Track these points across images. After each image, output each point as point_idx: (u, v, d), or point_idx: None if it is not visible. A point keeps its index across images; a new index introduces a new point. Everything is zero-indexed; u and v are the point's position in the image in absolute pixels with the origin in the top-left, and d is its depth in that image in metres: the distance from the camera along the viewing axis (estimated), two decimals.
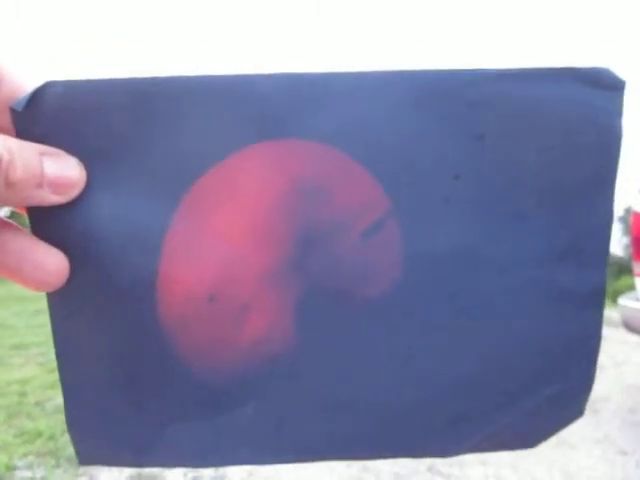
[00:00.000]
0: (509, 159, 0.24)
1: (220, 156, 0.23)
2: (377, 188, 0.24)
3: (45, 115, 0.22)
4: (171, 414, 0.25)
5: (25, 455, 1.76)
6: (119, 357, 0.24)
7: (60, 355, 0.24)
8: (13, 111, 0.22)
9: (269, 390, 0.25)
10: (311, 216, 0.23)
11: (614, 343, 3.12)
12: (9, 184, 0.19)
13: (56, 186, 0.21)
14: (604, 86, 0.24)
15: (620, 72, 0.24)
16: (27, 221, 0.23)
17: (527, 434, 0.28)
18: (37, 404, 2.23)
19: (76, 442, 0.25)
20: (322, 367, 0.25)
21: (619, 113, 0.24)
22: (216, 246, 0.23)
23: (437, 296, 0.25)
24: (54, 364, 2.74)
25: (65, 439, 1.84)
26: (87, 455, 0.25)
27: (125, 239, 0.23)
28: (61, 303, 0.23)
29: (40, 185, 0.21)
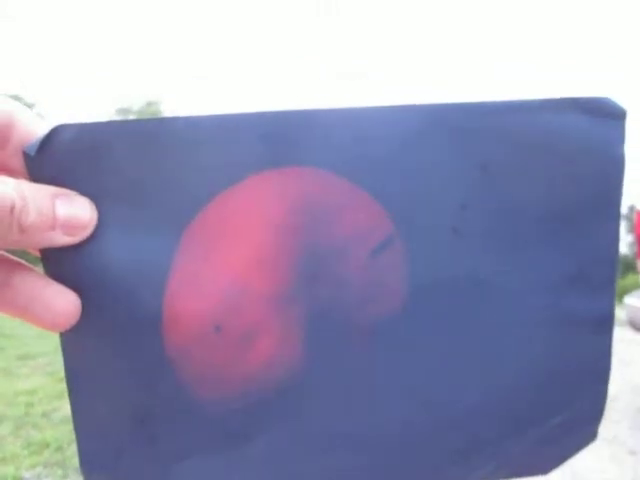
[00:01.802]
0: (514, 189, 0.24)
1: (221, 188, 0.23)
2: (380, 212, 0.24)
3: (57, 158, 0.22)
4: (183, 450, 0.24)
5: (33, 466, 1.76)
6: (130, 394, 0.24)
7: (73, 393, 0.24)
8: (26, 155, 0.22)
9: (280, 422, 0.24)
10: (315, 239, 0.23)
11: (620, 342, 3.11)
12: (22, 229, 0.20)
13: (68, 228, 0.21)
14: (605, 115, 0.24)
15: (620, 99, 0.24)
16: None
17: (540, 461, 0.27)
18: (44, 415, 2.23)
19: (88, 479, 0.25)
20: (331, 393, 0.24)
21: (621, 141, 0.24)
22: (220, 276, 0.23)
23: (445, 325, 0.25)
24: (61, 374, 2.74)
25: (72, 449, 1.84)
26: None
27: (133, 277, 0.23)
28: (73, 341, 0.23)
29: (52, 228, 0.21)
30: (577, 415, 0.26)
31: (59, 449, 1.86)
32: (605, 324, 0.26)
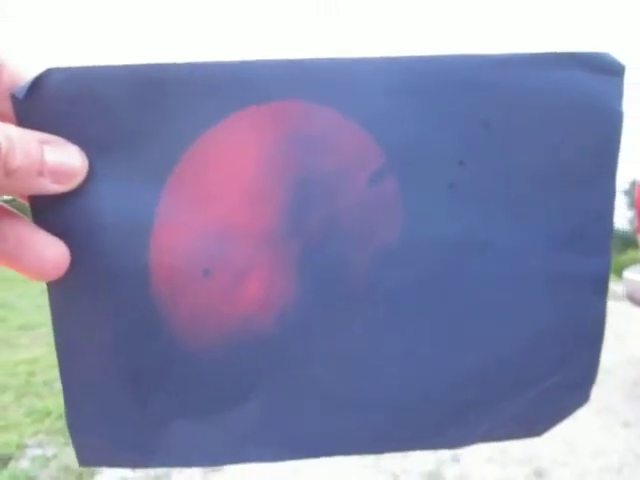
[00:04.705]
0: (513, 145, 0.24)
1: (205, 127, 0.22)
2: (372, 143, 0.23)
3: (47, 103, 0.21)
4: (175, 409, 0.24)
5: (35, 434, 1.79)
6: (119, 349, 0.23)
7: (60, 350, 0.23)
8: (14, 98, 0.21)
9: (275, 382, 0.24)
10: (306, 172, 0.23)
11: (618, 316, 3.12)
12: (9, 172, 0.19)
13: (57, 175, 0.21)
14: (604, 71, 0.24)
15: (620, 56, 0.24)
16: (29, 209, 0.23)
17: (534, 422, 0.28)
18: (45, 383, 2.25)
19: (76, 442, 0.24)
20: (327, 335, 0.24)
21: (620, 98, 0.24)
22: (208, 217, 0.23)
23: (439, 280, 0.24)
24: None
25: None
26: (88, 456, 0.25)
27: (120, 225, 0.22)
28: (61, 294, 0.23)
29: (41, 173, 0.20)
30: (571, 376, 0.27)
31: (60, 417, 1.89)
32: (601, 283, 0.26)
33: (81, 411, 0.24)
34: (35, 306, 3.89)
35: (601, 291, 0.26)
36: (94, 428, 0.24)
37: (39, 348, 2.81)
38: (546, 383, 0.26)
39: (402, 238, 0.24)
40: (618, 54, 0.24)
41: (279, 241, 0.23)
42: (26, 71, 0.21)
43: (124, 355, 0.23)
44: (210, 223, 0.23)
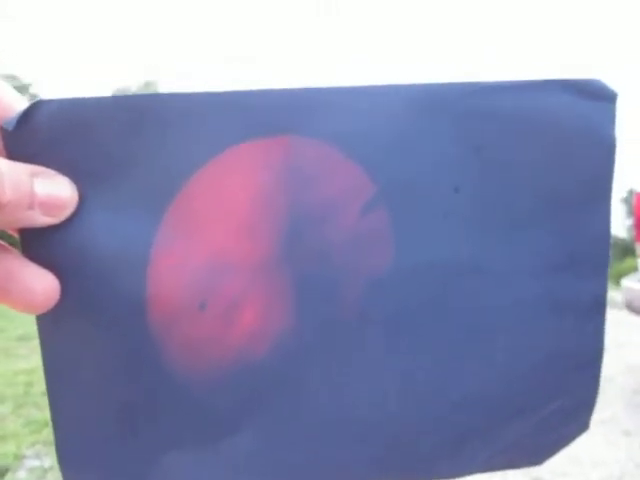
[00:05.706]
0: (507, 171, 0.24)
1: (202, 161, 0.22)
2: (362, 174, 0.23)
3: (37, 134, 0.21)
4: (167, 441, 0.24)
5: (33, 444, 1.78)
6: (112, 381, 0.23)
7: (50, 382, 0.23)
8: (4, 130, 0.21)
9: (269, 411, 0.24)
10: (299, 203, 0.23)
11: (617, 324, 3.12)
12: None
13: (47, 207, 0.20)
14: (596, 97, 0.24)
15: (613, 82, 0.24)
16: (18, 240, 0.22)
17: (533, 451, 0.27)
18: (44, 394, 2.24)
19: (67, 475, 0.24)
20: (322, 366, 0.24)
21: (612, 124, 0.24)
22: (204, 251, 0.23)
23: (434, 307, 0.24)
24: None
25: None
26: None
27: (114, 257, 0.22)
28: (51, 327, 0.22)
29: (31, 206, 0.20)
30: (570, 403, 0.26)
31: None
32: (596, 309, 0.26)
33: (72, 444, 0.23)
34: (34, 317, 3.87)
35: (598, 315, 0.26)
36: (85, 460, 0.24)
37: (38, 358, 2.79)
38: (545, 410, 0.26)
39: (395, 266, 0.24)
40: (613, 77, 0.24)
41: (273, 272, 0.23)
42: (16, 102, 0.21)
43: (117, 386, 0.23)
44: (206, 255, 0.23)
